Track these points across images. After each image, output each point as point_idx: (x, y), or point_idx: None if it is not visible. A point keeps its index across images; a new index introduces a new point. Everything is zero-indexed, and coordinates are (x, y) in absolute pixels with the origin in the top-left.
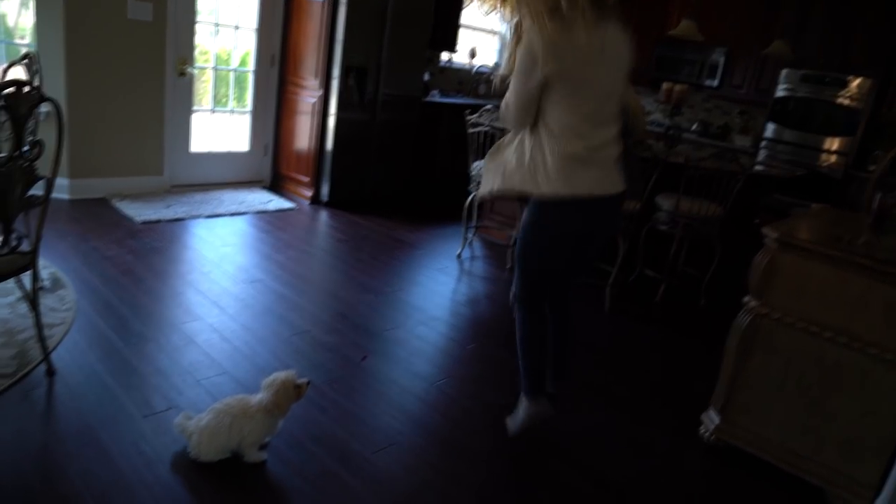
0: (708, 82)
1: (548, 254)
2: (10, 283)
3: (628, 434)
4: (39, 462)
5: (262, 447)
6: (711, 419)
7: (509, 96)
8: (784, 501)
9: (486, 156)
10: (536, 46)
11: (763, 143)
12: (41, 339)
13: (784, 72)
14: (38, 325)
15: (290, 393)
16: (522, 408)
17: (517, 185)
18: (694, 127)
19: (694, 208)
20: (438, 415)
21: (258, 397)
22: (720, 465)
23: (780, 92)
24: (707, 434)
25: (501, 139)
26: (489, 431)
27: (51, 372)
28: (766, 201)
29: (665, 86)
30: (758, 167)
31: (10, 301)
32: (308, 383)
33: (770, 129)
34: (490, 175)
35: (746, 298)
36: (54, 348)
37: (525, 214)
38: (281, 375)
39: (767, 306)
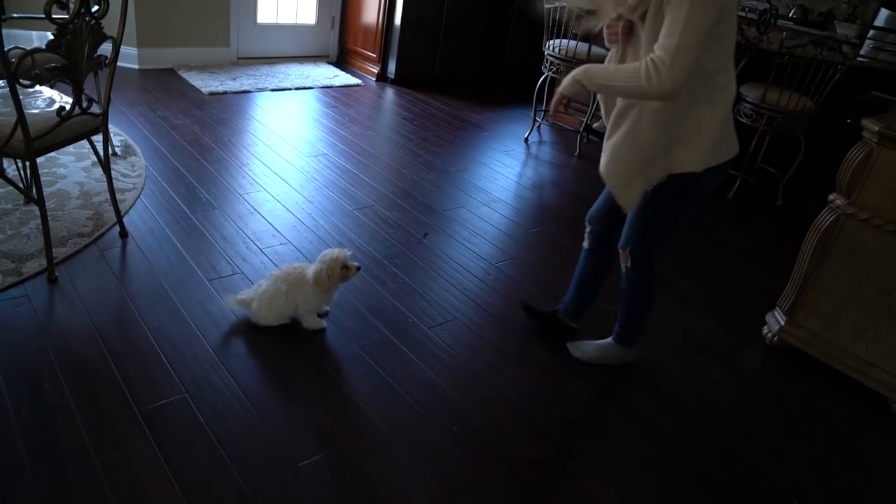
0: None
1: (684, 214)
2: (86, 149)
3: (689, 326)
4: (117, 315)
5: (322, 315)
6: (777, 319)
7: (673, 43)
8: (844, 406)
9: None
10: None
11: (871, 34)
12: (114, 202)
13: None
14: (111, 190)
15: (335, 272)
16: (616, 351)
17: (674, 167)
18: (791, 13)
19: (782, 100)
20: (499, 295)
21: (313, 268)
22: (780, 366)
23: None
24: (770, 335)
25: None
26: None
27: (124, 234)
28: (863, 98)
29: None
30: (861, 59)
31: (86, 165)
32: (358, 268)
33: (882, 17)
34: (625, 166)
35: (832, 196)
36: (127, 212)
37: (670, 186)
38: (333, 253)
39: (855, 205)
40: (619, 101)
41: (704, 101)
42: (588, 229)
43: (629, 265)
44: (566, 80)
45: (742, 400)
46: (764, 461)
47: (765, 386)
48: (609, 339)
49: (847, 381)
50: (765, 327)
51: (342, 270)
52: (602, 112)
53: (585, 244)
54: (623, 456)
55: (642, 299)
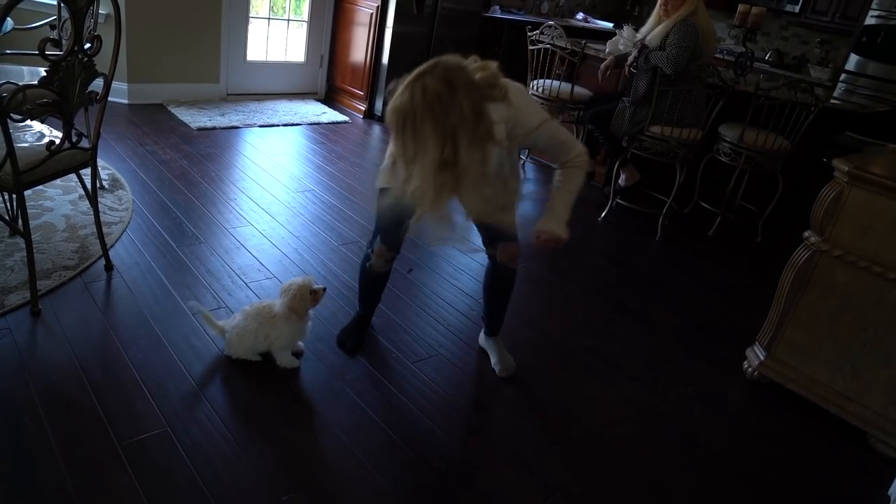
0: (789, 7)
1: None
2: (73, 182)
3: (670, 361)
4: (100, 348)
5: (297, 353)
6: (757, 354)
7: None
8: (823, 440)
9: None
10: None
11: (842, 77)
12: (100, 235)
13: None
14: (98, 223)
15: (305, 298)
16: (502, 347)
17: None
18: (768, 56)
19: (759, 140)
20: (482, 331)
21: (279, 302)
22: (760, 400)
23: (871, 19)
24: (750, 369)
25: None
26: (532, 350)
27: (109, 267)
28: (838, 139)
29: (741, 8)
30: (834, 101)
31: (73, 198)
32: (324, 290)
33: (853, 62)
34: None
35: (807, 233)
36: (112, 245)
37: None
38: (297, 281)
39: (829, 242)
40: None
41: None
42: (389, 256)
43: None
44: (563, 233)
45: (722, 434)
46: (744, 496)
47: (745, 420)
48: (493, 338)
49: (826, 416)
50: (745, 362)
51: (311, 295)
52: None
53: (383, 269)
54: (605, 491)
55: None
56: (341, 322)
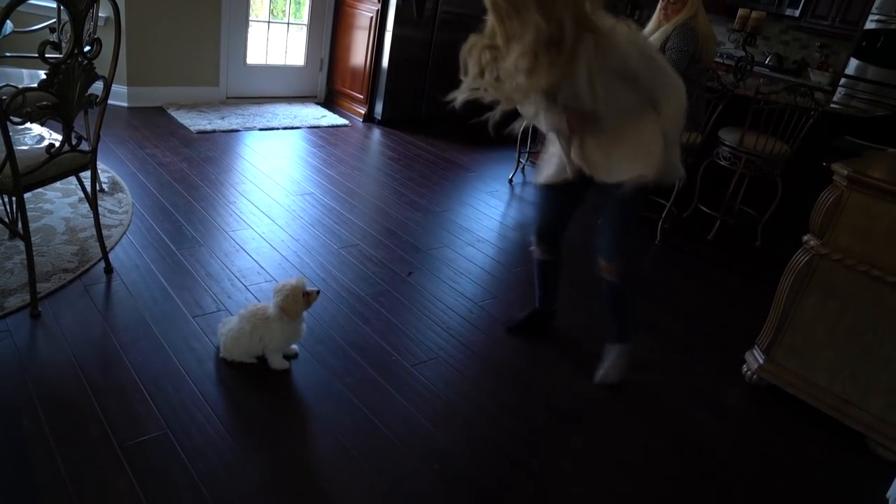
0: (789, 11)
1: None
2: (73, 184)
3: (669, 365)
4: (100, 351)
5: (290, 357)
6: (756, 358)
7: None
8: (822, 444)
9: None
10: None
11: (842, 81)
12: (100, 238)
13: (879, 0)
14: (98, 225)
15: (298, 300)
16: (626, 353)
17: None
18: (767, 60)
19: (759, 144)
20: (481, 333)
21: (273, 303)
22: (759, 404)
23: (871, 24)
24: (749, 373)
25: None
26: (531, 352)
27: (109, 270)
28: (838, 143)
29: (741, 12)
30: (833, 106)
31: (73, 201)
32: (318, 292)
33: (853, 66)
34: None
35: (806, 237)
36: (112, 248)
37: (634, 191)
38: (291, 282)
39: (828, 246)
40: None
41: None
42: (544, 247)
43: (620, 272)
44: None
45: (721, 438)
46: (743, 500)
47: (744, 424)
48: (616, 346)
49: (825, 419)
50: (744, 366)
51: (304, 297)
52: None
53: (543, 257)
54: (602, 493)
55: (630, 298)
56: (341, 325)
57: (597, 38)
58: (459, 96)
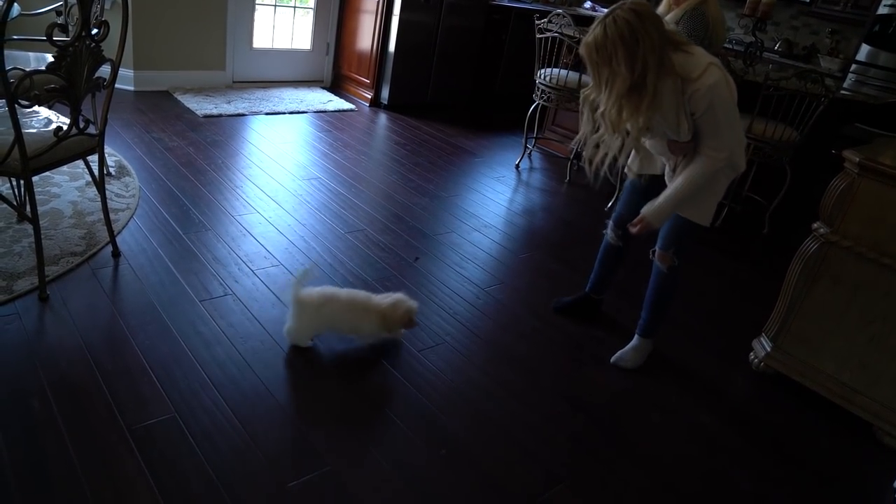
0: None
1: None
2: (80, 168)
3: (676, 352)
4: (108, 334)
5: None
6: (763, 346)
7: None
8: (829, 432)
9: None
10: None
11: (853, 68)
12: (107, 222)
13: None
14: (105, 209)
15: (404, 321)
16: (646, 347)
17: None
18: (777, 46)
19: (768, 131)
20: (488, 319)
21: (384, 303)
22: (766, 392)
23: (884, 9)
24: (756, 360)
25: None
26: (537, 338)
27: (116, 253)
28: (847, 130)
29: None
30: (843, 92)
31: (80, 185)
32: (414, 324)
33: (864, 52)
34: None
35: (816, 224)
36: (119, 232)
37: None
38: (410, 303)
39: (838, 234)
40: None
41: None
42: (619, 232)
43: (673, 265)
44: (654, 221)
45: (729, 426)
46: (749, 487)
47: (751, 412)
48: (638, 338)
49: (832, 408)
50: (751, 353)
51: (408, 322)
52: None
53: (615, 241)
54: (609, 480)
55: (672, 295)
56: None
57: (682, 81)
58: (587, 155)
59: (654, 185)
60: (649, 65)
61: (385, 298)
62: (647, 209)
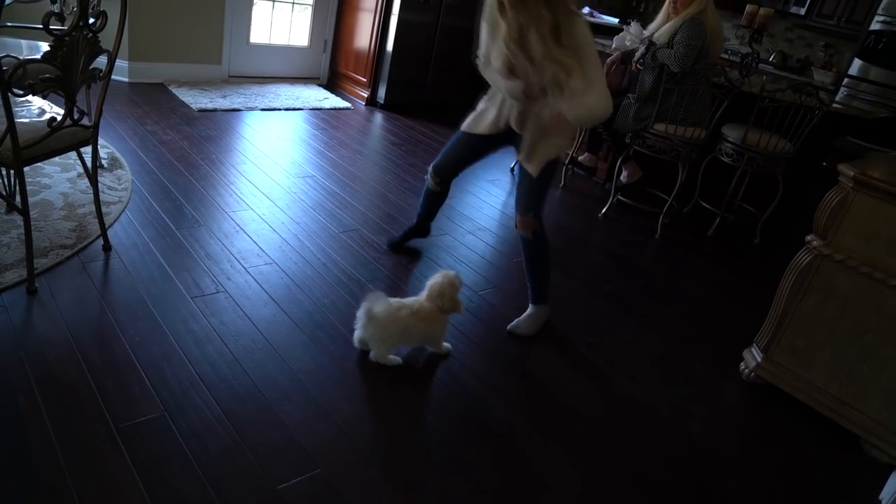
0: (794, 9)
1: None
2: (72, 159)
3: (668, 361)
4: (97, 329)
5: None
6: (754, 356)
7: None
8: (817, 444)
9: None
10: None
11: (845, 81)
12: (99, 215)
13: (885, 1)
14: (97, 202)
15: (454, 299)
16: (540, 313)
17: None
18: (771, 58)
19: (762, 142)
20: (481, 323)
21: (433, 298)
22: (756, 402)
23: (876, 25)
24: (747, 371)
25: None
26: (532, 344)
27: (107, 247)
28: (839, 143)
29: (749, 8)
30: (835, 105)
31: (72, 176)
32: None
33: (856, 67)
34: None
35: (809, 237)
36: (111, 225)
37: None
38: (444, 281)
39: (831, 247)
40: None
41: None
42: (437, 179)
43: (535, 229)
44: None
45: (717, 435)
46: (737, 497)
47: (741, 422)
48: (531, 306)
49: (821, 419)
50: (742, 363)
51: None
52: (514, 115)
53: (435, 188)
54: (600, 487)
55: (548, 256)
56: (341, 310)
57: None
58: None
59: (483, 143)
60: (560, 5)
61: (427, 295)
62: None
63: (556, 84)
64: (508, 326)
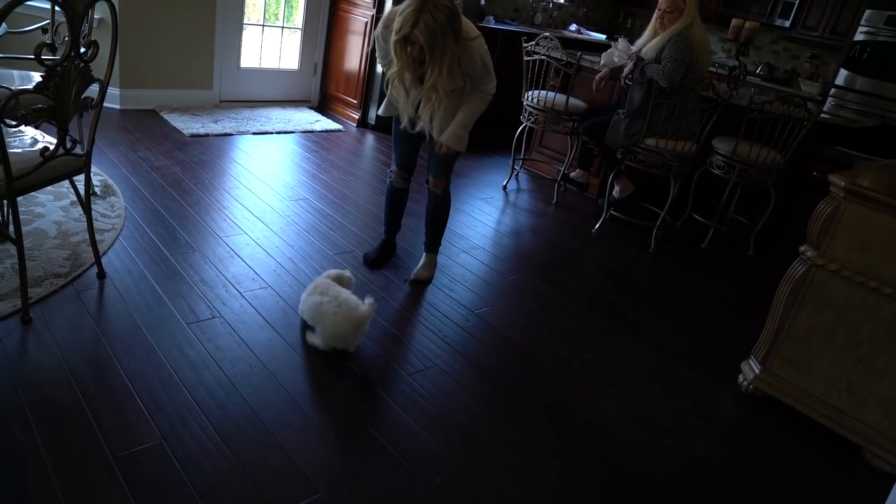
0: (779, 22)
1: None
2: (65, 187)
3: (666, 374)
4: (92, 358)
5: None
6: (752, 368)
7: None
8: (818, 454)
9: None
10: None
11: (832, 92)
12: (93, 242)
13: (867, 13)
14: (90, 230)
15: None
16: (433, 261)
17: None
18: (759, 70)
19: (752, 154)
20: (477, 342)
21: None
22: (756, 414)
23: (860, 35)
24: (745, 383)
25: None
26: (529, 361)
27: (101, 275)
28: (828, 153)
29: (735, 22)
30: (823, 116)
31: (65, 205)
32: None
33: (842, 77)
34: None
35: (803, 248)
36: (105, 252)
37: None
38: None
39: (825, 257)
40: (450, 110)
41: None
42: (405, 174)
43: (446, 188)
44: (456, 146)
45: (717, 447)
46: None
47: (741, 434)
48: (425, 255)
49: (821, 429)
50: (740, 375)
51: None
52: (431, 122)
53: (400, 185)
54: (598, 501)
55: (447, 212)
56: None
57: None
58: (415, 116)
59: (406, 133)
60: (461, 37)
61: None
62: (445, 137)
63: (433, 103)
64: (410, 277)
